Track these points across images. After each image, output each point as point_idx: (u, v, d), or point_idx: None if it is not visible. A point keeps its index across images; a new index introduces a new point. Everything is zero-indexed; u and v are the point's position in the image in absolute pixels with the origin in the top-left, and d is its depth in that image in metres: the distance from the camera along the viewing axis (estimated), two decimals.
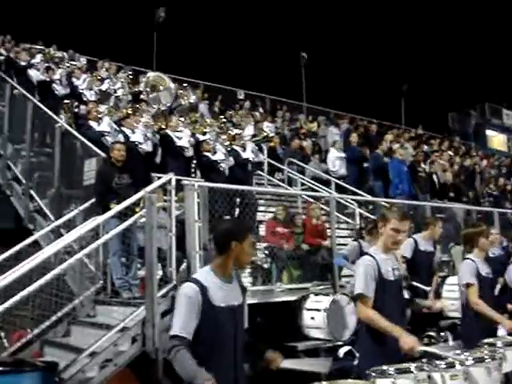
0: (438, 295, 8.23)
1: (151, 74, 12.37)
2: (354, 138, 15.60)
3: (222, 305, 3.67)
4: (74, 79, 14.37)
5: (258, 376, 4.61)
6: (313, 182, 13.78)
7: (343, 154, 15.16)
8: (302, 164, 14.98)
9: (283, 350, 4.29)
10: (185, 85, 16.23)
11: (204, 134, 12.75)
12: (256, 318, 6.99)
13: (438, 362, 4.04)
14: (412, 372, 3.84)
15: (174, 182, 7.20)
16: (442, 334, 7.54)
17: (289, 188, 14.16)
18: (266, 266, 9.01)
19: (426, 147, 19.90)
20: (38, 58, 15.24)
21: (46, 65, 14.66)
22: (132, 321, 6.49)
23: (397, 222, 4.49)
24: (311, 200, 11.50)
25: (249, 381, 4.09)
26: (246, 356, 3.91)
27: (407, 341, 4.18)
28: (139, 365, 6.37)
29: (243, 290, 3.94)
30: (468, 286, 5.97)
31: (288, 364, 4.06)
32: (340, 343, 7.19)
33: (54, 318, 7.29)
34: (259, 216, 10.76)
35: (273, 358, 3.96)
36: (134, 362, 6.32)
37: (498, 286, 7.21)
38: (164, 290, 6.67)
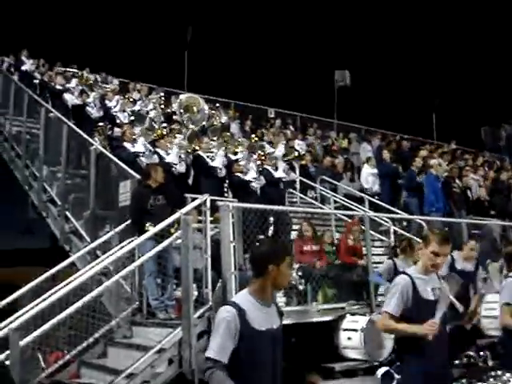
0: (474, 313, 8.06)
1: (184, 96, 12.44)
2: (386, 154, 15.46)
3: (261, 328, 3.63)
4: (106, 101, 14.56)
5: None
6: (346, 200, 13.60)
7: (376, 171, 14.99)
8: (334, 182, 14.84)
9: (320, 370, 4.26)
10: (217, 105, 16.31)
11: (235, 153, 12.79)
12: (291, 339, 6.95)
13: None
14: None
15: (208, 203, 7.21)
16: (481, 353, 7.39)
17: (322, 206, 14.05)
18: (300, 287, 8.91)
19: (460, 162, 19.61)
20: (74, 82, 15.48)
21: (80, 88, 14.90)
22: (169, 342, 6.49)
23: (436, 246, 4.47)
24: (345, 218, 11.41)
25: None
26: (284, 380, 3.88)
27: (424, 327, 4.23)
28: None
29: (280, 313, 3.91)
30: (508, 305, 5.86)
31: None
32: (377, 363, 7.11)
33: (90, 340, 7.33)
34: (293, 235, 10.71)
35: (312, 380, 3.93)
36: None
37: None
38: (200, 311, 6.66)
